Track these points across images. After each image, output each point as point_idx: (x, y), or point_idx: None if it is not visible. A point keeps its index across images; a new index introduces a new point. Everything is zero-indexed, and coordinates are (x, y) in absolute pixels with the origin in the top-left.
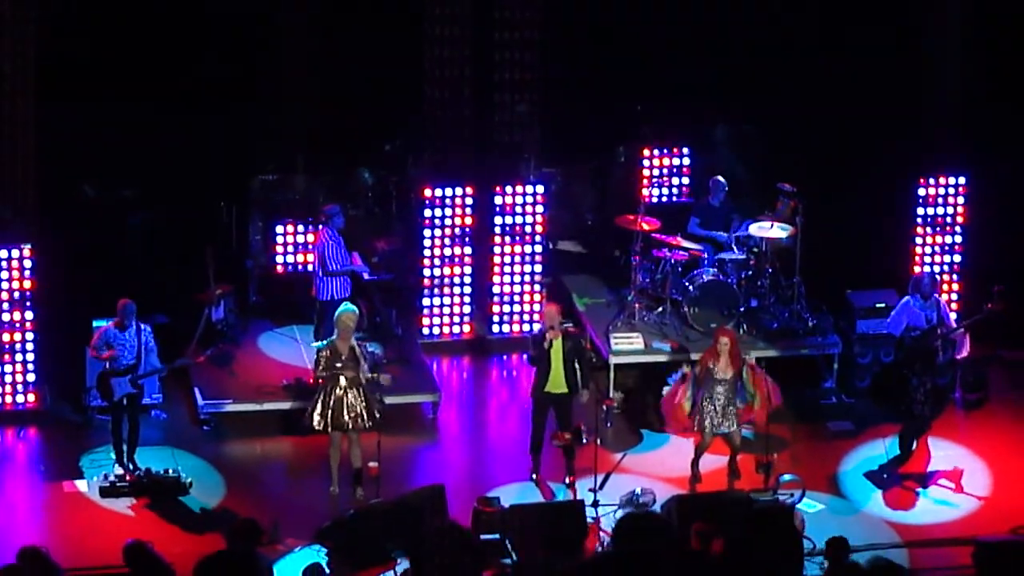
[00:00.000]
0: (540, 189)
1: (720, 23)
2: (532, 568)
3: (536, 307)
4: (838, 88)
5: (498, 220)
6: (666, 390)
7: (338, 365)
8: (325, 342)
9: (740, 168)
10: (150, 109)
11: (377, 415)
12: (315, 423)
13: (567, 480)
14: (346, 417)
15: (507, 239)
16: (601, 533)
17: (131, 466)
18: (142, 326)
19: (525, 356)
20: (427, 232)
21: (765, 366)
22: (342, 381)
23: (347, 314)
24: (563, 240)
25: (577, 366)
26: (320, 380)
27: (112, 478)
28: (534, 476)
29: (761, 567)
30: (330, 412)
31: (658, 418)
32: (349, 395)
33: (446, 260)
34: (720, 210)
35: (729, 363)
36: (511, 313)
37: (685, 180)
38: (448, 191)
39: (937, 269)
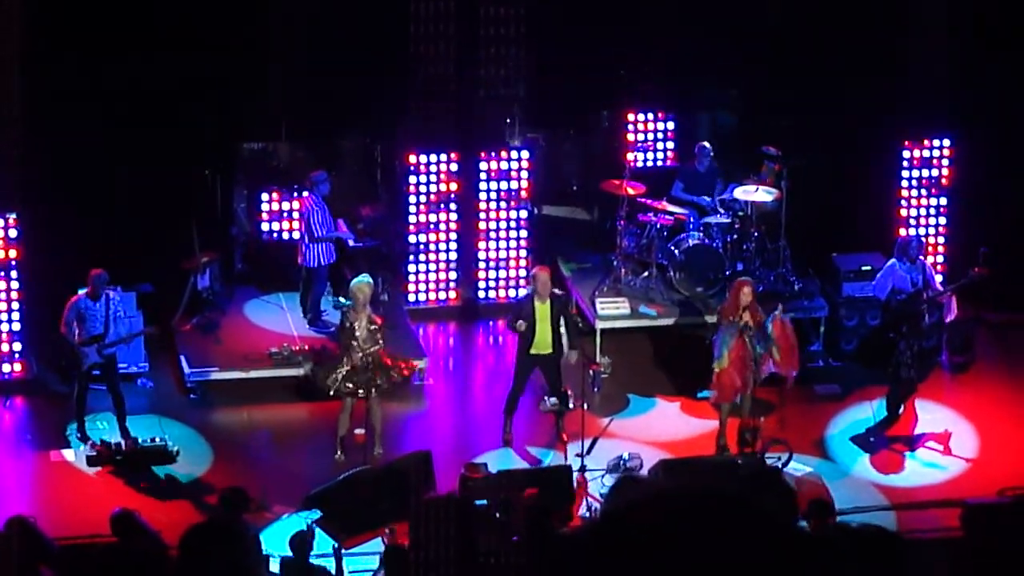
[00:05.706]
0: (525, 154)
1: None
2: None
3: (522, 272)
4: (823, 50)
5: (483, 185)
6: (724, 361)
7: (356, 333)
8: (345, 310)
9: (724, 132)
10: (133, 76)
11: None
12: (335, 387)
13: (563, 437)
14: (365, 382)
15: (492, 204)
16: (588, 498)
17: (123, 436)
18: (110, 295)
19: (505, 321)
20: (412, 199)
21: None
22: (357, 348)
23: (358, 285)
24: (549, 206)
25: (564, 327)
26: (341, 347)
27: (98, 447)
28: (505, 439)
29: None
30: (350, 378)
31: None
32: (366, 361)
33: (431, 226)
34: (705, 176)
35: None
36: (497, 279)
37: (671, 144)
38: (432, 157)
39: (923, 232)
